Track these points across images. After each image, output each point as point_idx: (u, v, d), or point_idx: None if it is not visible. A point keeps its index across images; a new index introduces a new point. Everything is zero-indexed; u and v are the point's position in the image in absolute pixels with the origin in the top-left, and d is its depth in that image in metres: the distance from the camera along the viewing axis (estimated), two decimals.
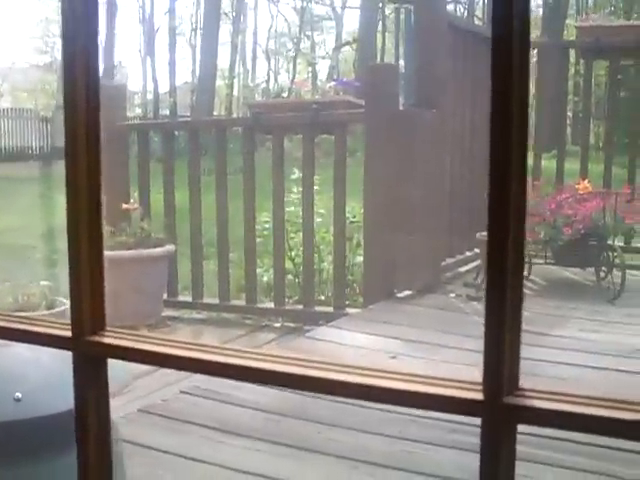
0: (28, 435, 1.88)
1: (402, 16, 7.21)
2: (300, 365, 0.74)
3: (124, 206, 6.02)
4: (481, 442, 0.66)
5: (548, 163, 7.39)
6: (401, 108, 5.81)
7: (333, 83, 6.07)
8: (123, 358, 0.85)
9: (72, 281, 0.84)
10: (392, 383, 0.69)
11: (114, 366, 1.85)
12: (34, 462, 1.89)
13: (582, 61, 8.25)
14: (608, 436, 0.64)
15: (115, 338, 0.84)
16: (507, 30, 0.64)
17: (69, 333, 0.85)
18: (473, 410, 0.67)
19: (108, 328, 0.87)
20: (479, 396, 0.66)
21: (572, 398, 0.64)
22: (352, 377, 0.70)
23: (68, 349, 0.85)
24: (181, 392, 3.84)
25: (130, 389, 4.37)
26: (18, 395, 1.90)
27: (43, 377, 1.98)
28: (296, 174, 6.41)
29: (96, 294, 0.85)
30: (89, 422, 0.86)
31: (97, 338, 0.84)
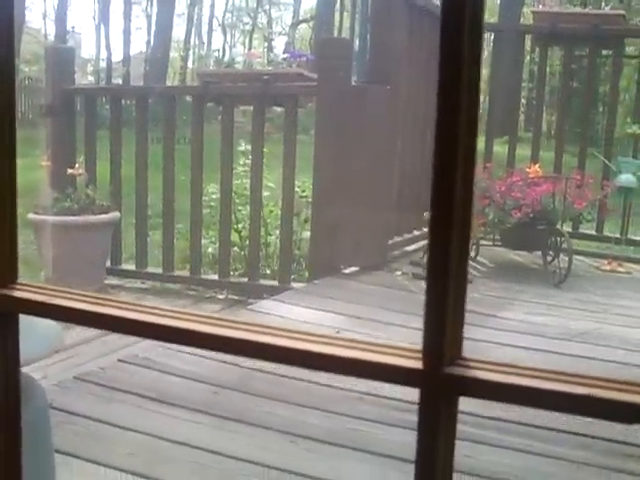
0: None
1: None
2: (231, 327, 0.68)
3: (69, 171, 5.90)
4: (419, 414, 0.61)
5: (500, 148, 7.40)
6: (354, 84, 5.75)
7: (286, 55, 5.99)
8: (36, 314, 0.78)
9: None
10: (329, 349, 0.63)
11: (44, 327, 1.77)
12: None
13: (537, 48, 8.27)
14: (554, 410, 0.59)
15: (27, 292, 0.77)
16: (459, 8, 0.58)
17: None
18: (411, 380, 0.61)
19: (22, 282, 0.80)
20: (419, 365, 0.60)
21: (518, 370, 0.59)
22: (287, 341, 0.64)
23: None
24: (119, 360, 3.77)
25: (68, 357, 4.31)
26: None
27: None
28: (242, 146, 6.32)
29: (6, 243, 0.78)
30: None
31: (7, 291, 0.77)
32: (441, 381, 0.60)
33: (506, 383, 0.58)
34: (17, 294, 0.78)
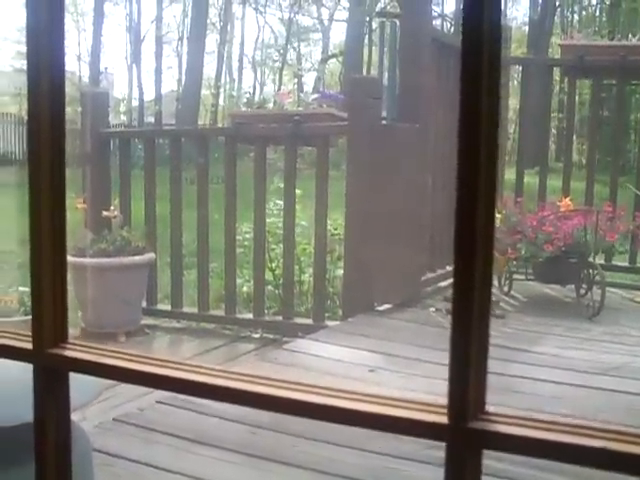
0: None
1: (387, 30, 7.20)
2: (257, 383, 0.72)
3: (104, 213, 5.99)
4: (445, 467, 0.65)
5: (531, 179, 7.41)
6: (384, 122, 5.80)
7: (316, 95, 6.06)
8: (84, 372, 0.83)
9: (34, 291, 0.82)
10: (355, 404, 0.67)
11: (84, 377, 1.82)
12: None
13: (566, 79, 8.30)
14: (571, 463, 0.63)
15: (76, 351, 0.83)
16: (477, 42, 0.63)
17: (30, 345, 0.83)
18: (438, 434, 0.65)
19: (71, 340, 0.85)
20: (444, 420, 0.64)
21: (537, 424, 0.63)
22: (314, 397, 0.69)
23: (29, 361, 0.83)
24: (157, 402, 3.81)
25: (107, 397, 4.36)
26: None
27: (6, 388, 1.94)
28: (275, 184, 6.38)
29: (58, 305, 0.83)
30: (48, 436, 0.84)
31: (58, 351, 0.82)
32: (466, 435, 0.64)
33: (526, 436, 0.62)
34: (67, 353, 0.83)
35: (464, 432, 0.64)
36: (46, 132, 0.81)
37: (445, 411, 0.65)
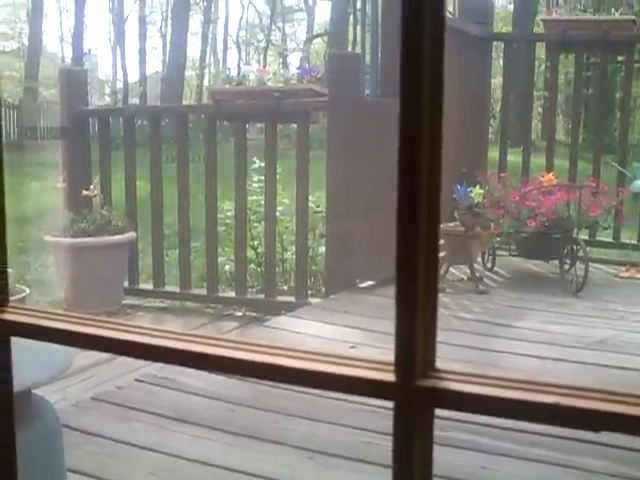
0: None
1: (369, 7, 7.17)
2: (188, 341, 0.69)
3: (84, 192, 5.95)
4: (394, 427, 0.62)
5: (516, 158, 7.39)
6: (367, 98, 5.77)
7: (298, 71, 6.01)
8: (26, 336, 0.80)
9: None
10: (300, 363, 0.64)
11: (52, 351, 1.79)
12: None
13: (549, 55, 8.27)
14: (524, 420, 0.60)
15: (18, 314, 0.79)
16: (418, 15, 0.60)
17: None
18: (385, 393, 0.62)
19: (13, 304, 0.81)
20: (391, 377, 0.61)
21: (490, 380, 0.60)
22: (259, 357, 0.66)
23: None
24: (136, 380, 3.79)
25: (86, 377, 4.34)
26: None
27: None
28: (257, 163, 6.34)
29: None
30: None
31: None
32: (413, 392, 0.61)
33: (477, 394, 0.59)
34: (7, 317, 0.79)
35: (412, 390, 0.60)
36: None
37: (393, 369, 0.62)
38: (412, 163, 0.61)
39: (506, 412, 0.61)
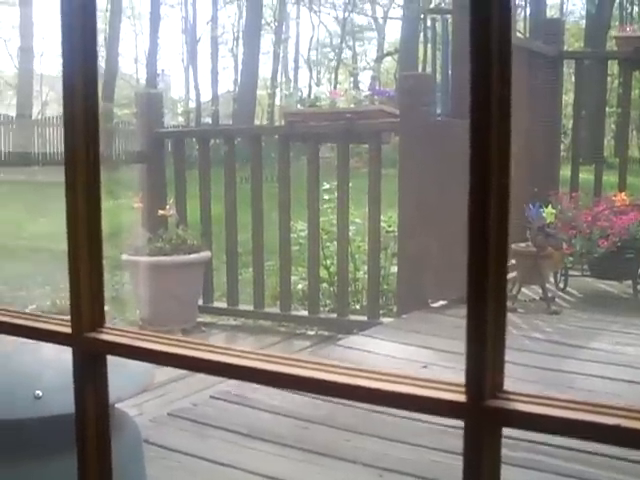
0: (47, 433, 1.90)
1: (439, 26, 7.19)
2: (266, 361, 0.75)
3: (160, 212, 6.07)
4: (464, 445, 0.66)
5: (588, 176, 7.34)
6: (438, 118, 5.80)
7: (369, 92, 6.07)
8: (121, 355, 0.86)
9: (71, 277, 0.85)
10: (374, 383, 0.69)
11: (135, 366, 1.86)
12: (51, 460, 1.90)
13: (622, 72, 8.19)
14: (586, 440, 0.64)
15: (113, 335, 0.85)
16: (485, 37, 0.64)
17: (69, 330, 0.86)
18: (456, 412, 0.67)
19: (108, 326, 0.88)
20: (462, 398, 0.66)
21: (554, 402, 0.64)
22: (337, 377, 0.70)
23: (68, 344, 0.86)
24: (211, 397, 3.86)
25: (163, 394, 4.43)
26: (38, 393, 1.92)
27: (64, 375, 1.99)
28: (329, 183, 6.39)
29: (95, 291, 0.86)
30: (87, 420, 0.87)
31: (95, 335, 0.85)
32: (483, 413, 0.65)
33: (543, 414, 0.63)
34: (104, 337, 0.85)
35: (481, 410, 0.65)
36: (80, 132, 0.84)
37: (463, 390, 0.66)
38: (481, 187, 0.65)
39: (568, 432, 0.65)
